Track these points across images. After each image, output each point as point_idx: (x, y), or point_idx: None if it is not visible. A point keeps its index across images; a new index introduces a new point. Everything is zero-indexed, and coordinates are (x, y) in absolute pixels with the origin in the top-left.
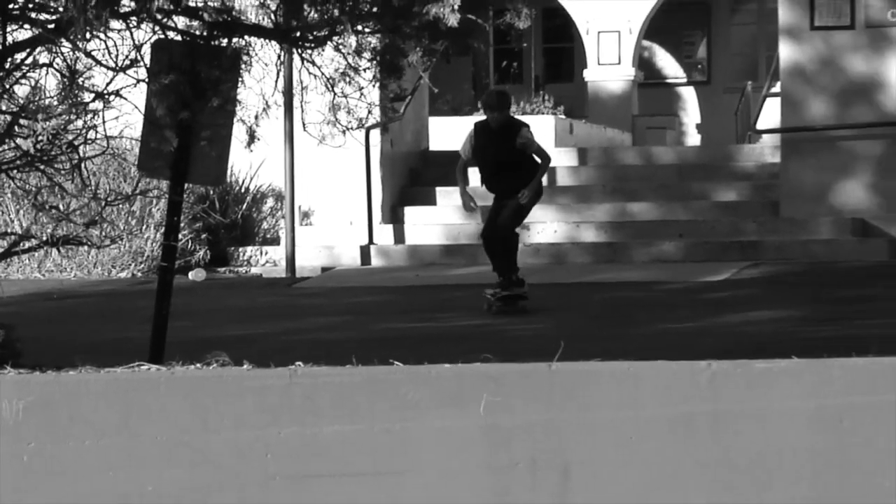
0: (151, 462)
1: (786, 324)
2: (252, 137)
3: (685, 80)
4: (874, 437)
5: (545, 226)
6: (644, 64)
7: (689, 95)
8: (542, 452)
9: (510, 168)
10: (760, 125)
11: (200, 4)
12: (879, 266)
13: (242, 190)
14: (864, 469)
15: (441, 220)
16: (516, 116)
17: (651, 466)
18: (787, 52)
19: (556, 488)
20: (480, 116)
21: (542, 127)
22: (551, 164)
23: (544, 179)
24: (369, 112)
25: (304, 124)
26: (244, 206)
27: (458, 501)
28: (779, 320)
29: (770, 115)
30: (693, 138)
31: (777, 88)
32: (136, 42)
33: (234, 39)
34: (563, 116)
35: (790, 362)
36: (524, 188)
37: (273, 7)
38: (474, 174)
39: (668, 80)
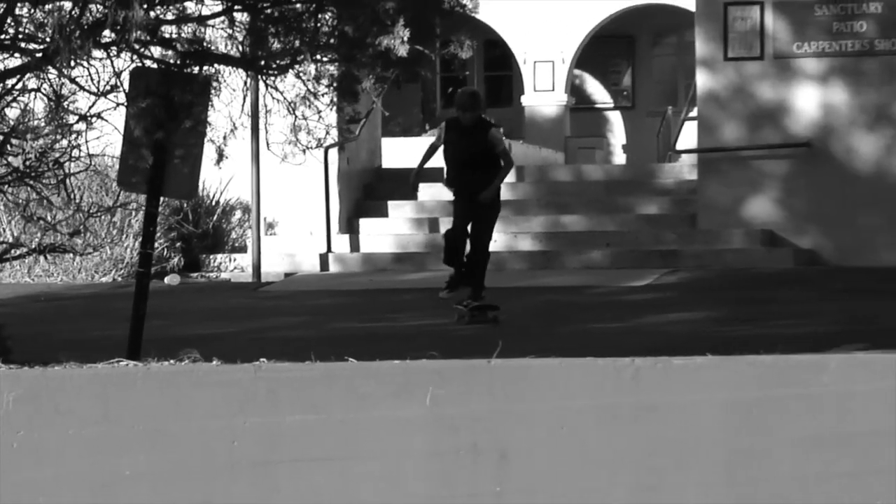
0: (129, 448)
1: (701, 324)
2: (221, 156)
3: (612, 105)
4: (779, 427)
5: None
6: (575, 90)
7: (615, 119)
8: (483, 439)
9: (476, 165)
10: (679, 146)
11: (174, 35)
12: (785, 272)
13: (213, 203)
14: (770, 455)
15: (392, 231)
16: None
17: (580, 452)
18: (703, 80)
19: (494, 471)
20: (429, 138)
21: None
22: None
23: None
24: (327, 133)
25: (268, 144)
26: (214, 218)
27: (406, 483)
28: (695, 321)
29: (688, 136)
30: (619, 157)
31: (694, 113)
32: (116, 69)
33: (205, 67)
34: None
35: (705, 359)
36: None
37: (240, 38)
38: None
39: (597, 105)
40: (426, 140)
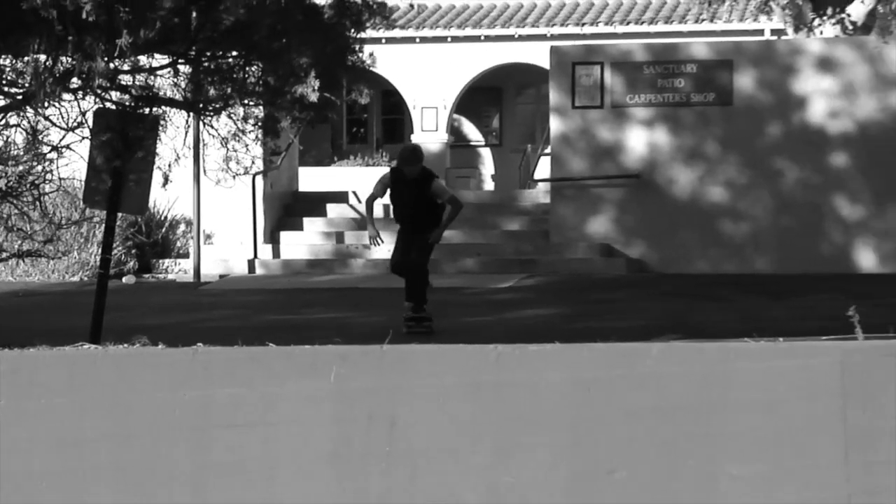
0: (90, 415)
1: (552, 318)
2: (167, 180)
3: (484, 143)
4: (612, 400)
5: (384, 247)
6: (454, 131)
7: (486, 154)
8: (376, 410)
9: (420, 209)
10: (537, 176)
11: (130, 83)
12: (619, 278)
13: (161, 218)
14: (604, 422)
15: (306, 242)
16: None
17: (452, 420)
18: (555, 124)
19: (385, 436)
20: (338, 167)
21: (380, 175)
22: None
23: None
24: (253, 163)
25: (205, 171)
26: (163, 230)
27: (315, 444)
28: (547, 316)
29: (543, 168)
30: (489, 185)
31: (548, 150)
32: (82, 109)
33: (154, 109)
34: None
35: (554, 346)
36: (433, 226)
37: (183, 85)
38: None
39: (472, 143)
40: (336, 169)
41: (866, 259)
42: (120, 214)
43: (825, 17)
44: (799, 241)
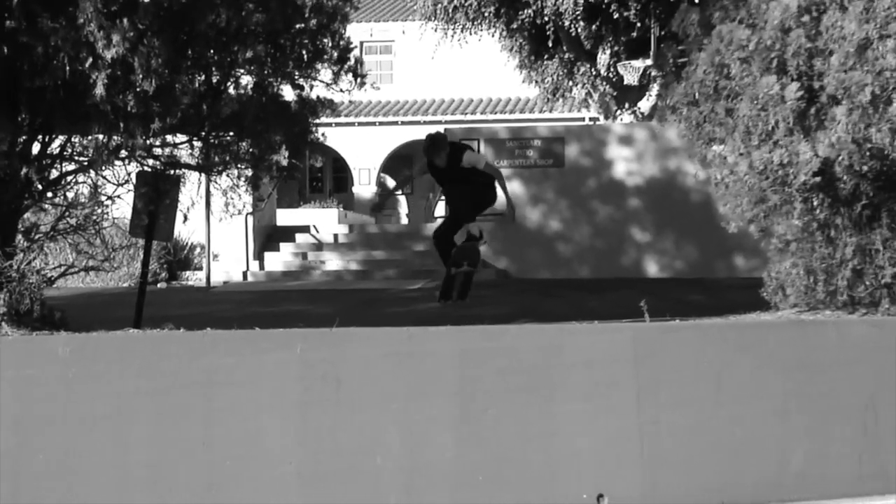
0: (135, 377)
1: (445, 309)
2: (185, 218)
3: (401, 193)
4: (486, 364)
5: (332, 262)
6: (380, 184)
7: (403, 200)
8: (328, 372)
9: (466, 186)
10: (436, 214)
11: (159, 153)
12: (491, 281)
13: (183, 244)
14: (482, 380)
15: (282, 259)
16: (459, 142)
17: (378, 379)
18: None
19: (334, 390)
20: (303, 209)
21: (330, 215)
22: (342, 232)
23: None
24: (245, 206)
25: (212, 212)
26: (184, 251)
27: (287, 394)
28: (442, 307)
29: (440, 209)
30: (405, 220)
31: (442, 197)
32: (128, 171)
33: (176, 171)
34: (342, 209)
35: (447, 328)
36: (478, 199)
37: (196, 154)
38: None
39: (393, 193)
40: (301, 210)
41: (652, 268)
42: (154, 242)
43: (624, 109)
44: (608, 255)
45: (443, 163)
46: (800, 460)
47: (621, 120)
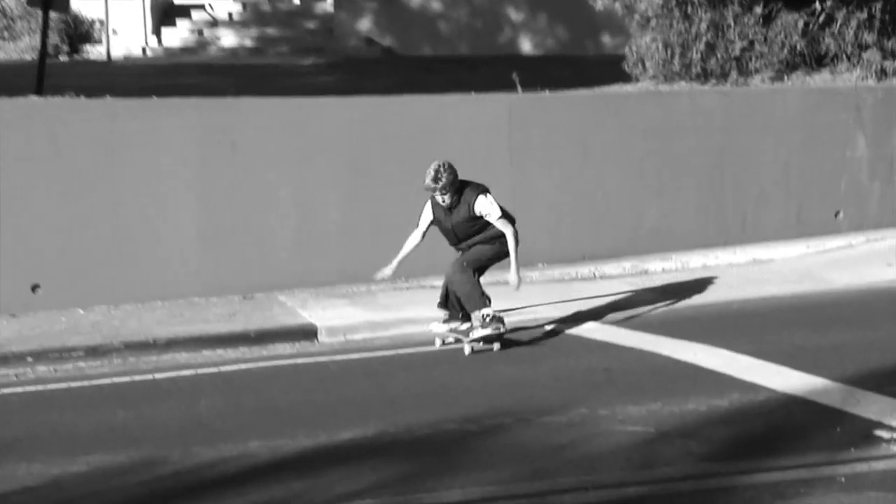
0: (37, 142)
1: (337, 81)
2: None
3: None
4: (372, 129)
5: (227, 38)
6: None
7: None
8: (223, 137)
9: (473, 237)
10: None
11: None
12: (377, 58)
13: (83, 17)
14: (366, 143)
15: (180, 36)
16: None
17: (272, 144)
18: None
19: (230, 151)
20: None
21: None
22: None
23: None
24: None
25: None
26: (84, 26)
27: (186, 156)
28: (333, 80)
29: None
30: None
31: None
32: None
33: None
34: None
35: (338, 98)
36: (488, 250)
37: None
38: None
39: None
40: None
41: (526, 45)
42: (54, 13)
43: None
44: (485, 33)
45: (448, 203)
46: (654, 216)
47: None
